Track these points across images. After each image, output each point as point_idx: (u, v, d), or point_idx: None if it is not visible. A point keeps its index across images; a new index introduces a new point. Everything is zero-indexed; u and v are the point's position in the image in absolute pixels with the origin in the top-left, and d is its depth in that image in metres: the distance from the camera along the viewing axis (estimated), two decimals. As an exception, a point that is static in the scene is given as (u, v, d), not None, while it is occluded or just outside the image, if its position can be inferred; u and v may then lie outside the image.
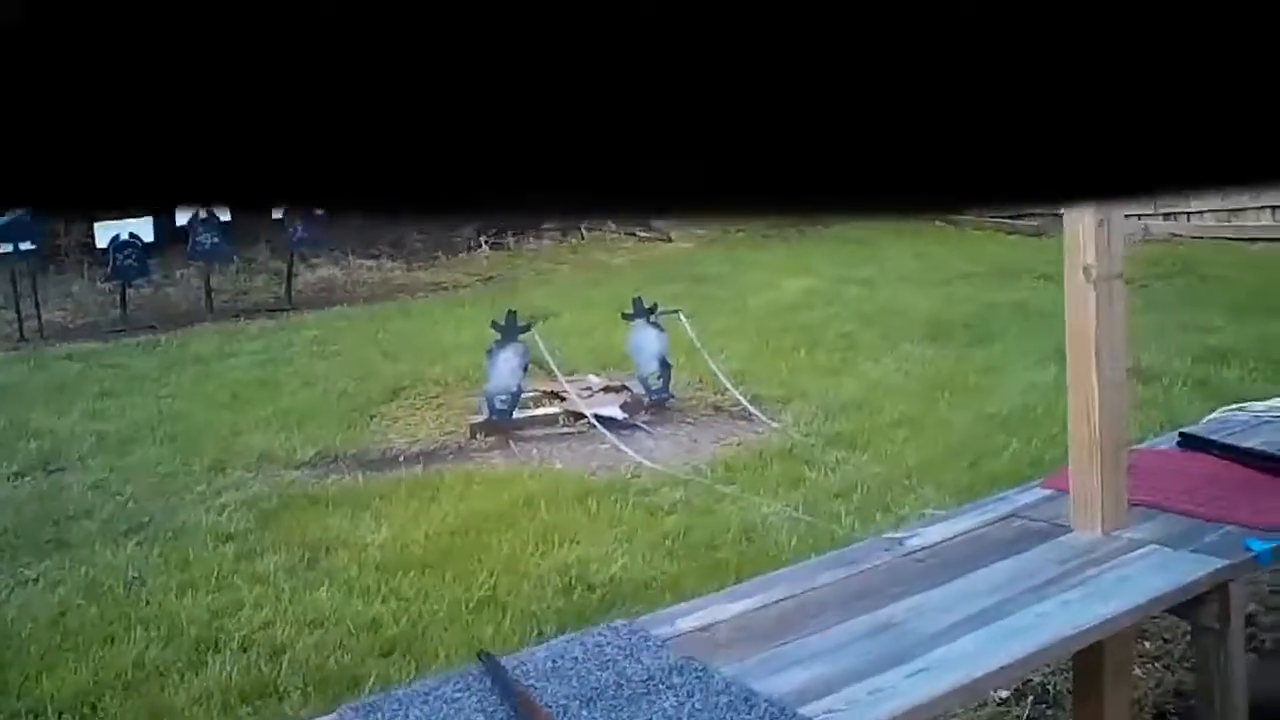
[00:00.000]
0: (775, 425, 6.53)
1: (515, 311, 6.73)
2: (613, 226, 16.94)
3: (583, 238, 16.11)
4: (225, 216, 10.67)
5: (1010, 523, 2.95)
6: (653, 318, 6.94)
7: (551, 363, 6.92)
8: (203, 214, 10.44)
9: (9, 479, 6.15)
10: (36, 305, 9.71)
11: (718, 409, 7.08)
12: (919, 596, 2.55)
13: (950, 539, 2.89)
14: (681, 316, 7.26)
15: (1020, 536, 2.84)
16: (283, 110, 0.21)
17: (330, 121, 0.21)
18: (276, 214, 10.77)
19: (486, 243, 15.21)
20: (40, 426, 6.99)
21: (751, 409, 6.80)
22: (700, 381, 7.53)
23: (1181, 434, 3.51)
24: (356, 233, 15.51)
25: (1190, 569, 2.45)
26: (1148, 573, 2.46)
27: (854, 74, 0.20)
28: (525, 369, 6.67)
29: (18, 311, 9.55)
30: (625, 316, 7.00)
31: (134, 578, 4.76)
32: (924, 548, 2.85)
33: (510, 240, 15.41)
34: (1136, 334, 7.81)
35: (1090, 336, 2.67)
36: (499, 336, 6.56)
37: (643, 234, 16.34)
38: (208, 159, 0.21)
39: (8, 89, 0.20)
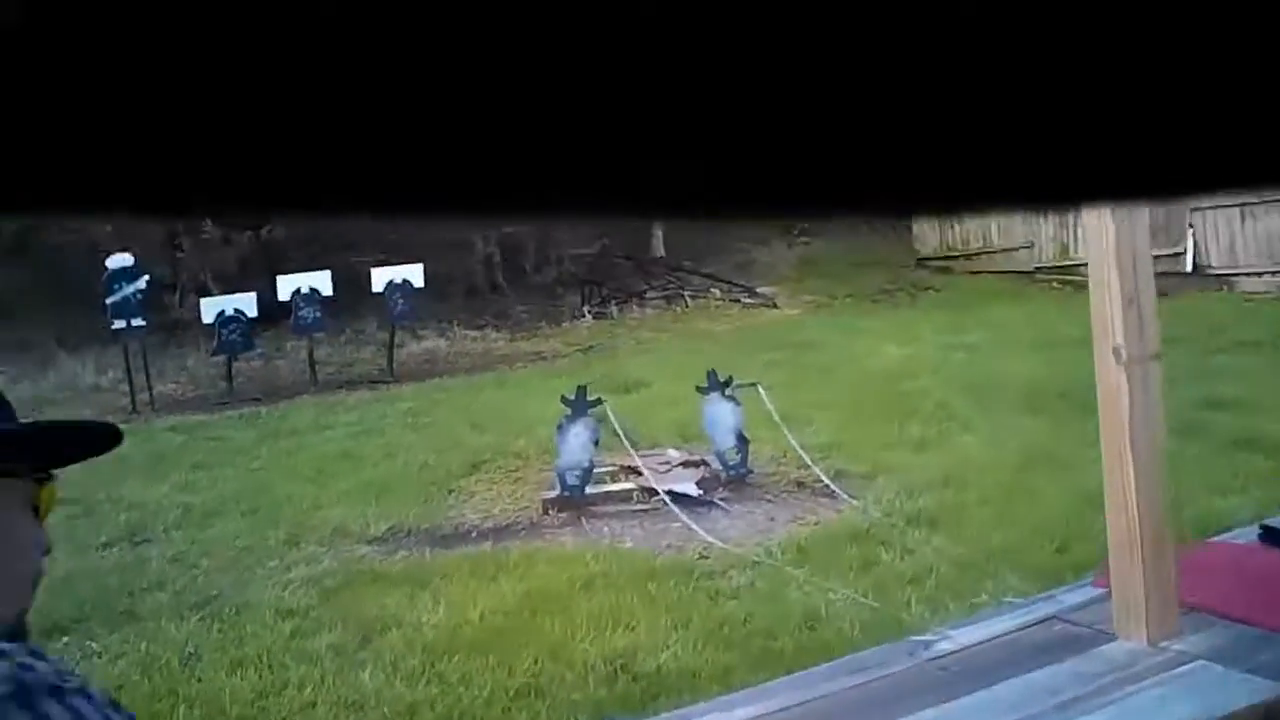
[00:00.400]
0: (855, 503, 6.26)
1: (586, 386, 6.67)
2: (718, 294, 16.83)
3: (687, 305, 16.05)
4: (327, 291, 10.97)
5: (1050, 626, 2.69)
6: (728, 391, 6.76)
7: (624, 437, 6.80)
8: (305, 289, 10.76)
9: (97, 549, 6.31)
10: (147, 378, 10.09)
11: (800, 485, 6.83)
12: (934, 710, 2.33)
13: (981, 643, 2.64)
14: (760, 389, 7.07)
15: (1058, 643, 2.58)
16: (280, 111, 0.21)
17: (328, 122, 0.21)
18: (377, 288, 11.03)
19: (590, 312, 15.29)
20: (135, 498, 7.19)
21: (833, 485, 6.55)
22: (784, 456, 7.30)
23: (1263, 527, 3.17)
24: (463, 305, 15.81)
25: (1236, 694, 2.16)
26: (1185, 696, 2.18)
27: (853, 74, 0.21)
28: (596, 444, 6.56)
29: (130, 384, 9.93)
30: (700, 390, 6.85)
31: (190, 654, 4.77)
32: (951, 652, 2.61)
33: (614, 309, 15.46)
34: (1262, 400, 7.31)
35: (1123, 423, 2.43)
36: (569, 412, 6.48)
37: (748, 301, 16.20)
38: (211, 161, 0.21)
39: (8, 89, 0.20)
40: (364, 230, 14.49)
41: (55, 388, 10.88)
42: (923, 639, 2.74)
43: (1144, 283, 2.40)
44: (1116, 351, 2.39)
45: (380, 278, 11.24)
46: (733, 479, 6.77)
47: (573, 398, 6.53)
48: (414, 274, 11.37)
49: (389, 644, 4.77)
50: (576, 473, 6.49)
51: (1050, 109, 0.21)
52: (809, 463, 6.79)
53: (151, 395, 10.10)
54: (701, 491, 6.59)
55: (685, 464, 7.16)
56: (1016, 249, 16.18)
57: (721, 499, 6.62)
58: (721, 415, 6.73)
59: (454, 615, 5.00)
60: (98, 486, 7.47)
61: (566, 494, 6.52)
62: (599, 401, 6.72)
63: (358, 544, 6.23)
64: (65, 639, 5.04)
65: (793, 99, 0.21)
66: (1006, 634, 2.68)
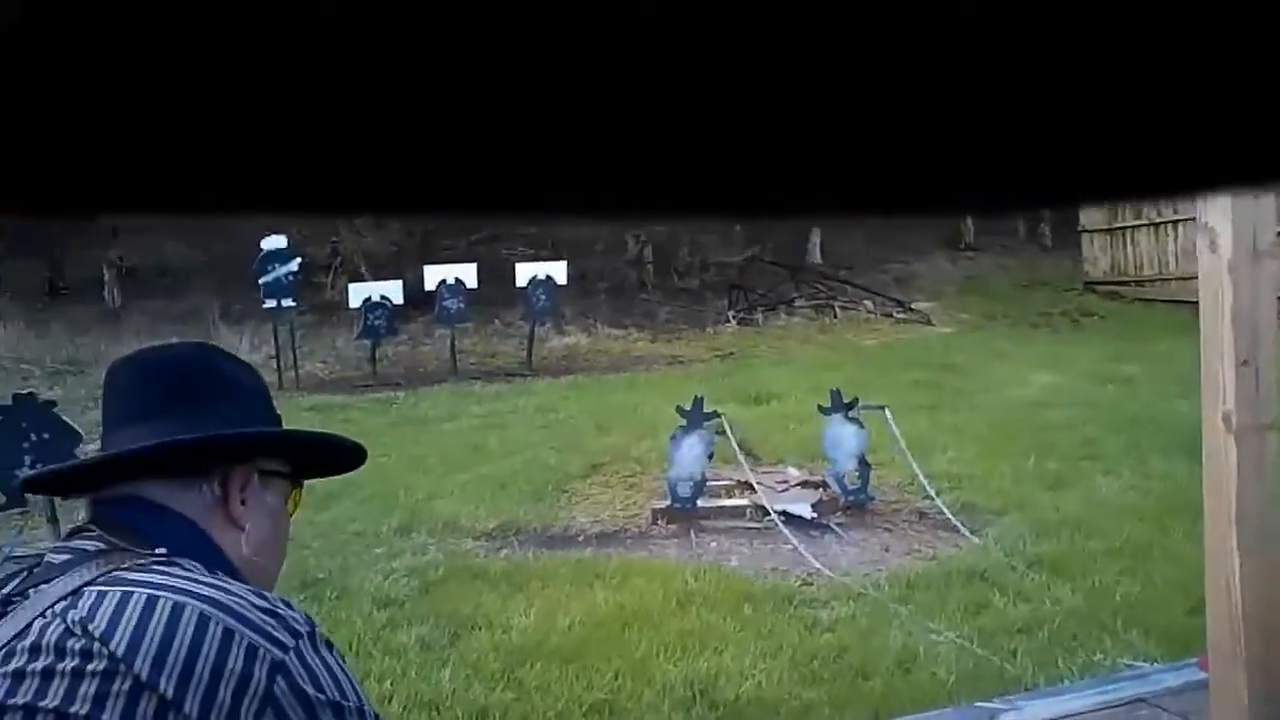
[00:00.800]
0: (976, 540, 5.94)
1: (702, 397, 6.53)
2: (870, 307, 16.39)
3: (836, 317, 15.67)
4: (472, 283, 11.15)
5: (1135, 710, 2.43)
6: (852, 413, 6.52)
7: (739, 452, 6.64)
8: (450, 280, 10.96)
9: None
10: (294, 357, 10.46)
11: (921, 515, 6.54)
12: (985, 794, 2.12)
13: (1053, 721, 2.41)
14: (888, 413, 6.79)
15: (1140, 732, 2.33)
16: (279, 113, 0.21)
17: (326, 122, 0.21)
18: (521, 282, 11.16)
19: (735, 318, 15.10)
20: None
21: (955, 519, 6.23)
22: (910, 483, 7.00)
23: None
24: (608, 304, 15.88)
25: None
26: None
27: (853, 74, 0.21)
28: (710, 456, 6.43)
29: (278, 362, 10.31)
30: (822, 410, 6.63)
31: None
32: (1018, 729, 2.39)
33: (759, 316, 15.23)
34: None
35: (1229, 497, 2.16)
36: (684, 422, 6.36)
37: (900, 316, 15.71)
38: (214, 162, 0.22)
39: (7, 88, 0.20)
40: (513, 225, 14.70)
41: (213, 360, 11.37)
42: (989, 706, 2.52)
43: (1263, 342, 2.13)
44: (1227, 418, 2.13)
45: (524, 273, 11.37)
46: (851, 504, 6.53)
47: (689, 408, 6.41)
48: (557, 271, 11.46)
49: (475, 644, 4.76)
50: (688, 485, 6.37)
51: (1051, 107, 0.21)
52: (932, 493, 6.48)
53: (297, 374, 10.48)
54: (816, 515, 6.38)
55: (804, 484, 6.96)
56: (1194, 278, 15.19)
57: (837, 524, 6.38)
58: (844, 437, 6.50)
59: (544, 621, 4.96)
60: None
61: (676, 505, 6.42)
62: (716, 414, 6.57)
63: (466, 538, 6.27)
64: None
65: (793, 99, 0.20)
66: (1082, 713, 2.43)
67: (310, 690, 1.04)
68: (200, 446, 1.21)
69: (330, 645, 1.11)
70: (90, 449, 6.16)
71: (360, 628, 4.93)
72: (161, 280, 15.05)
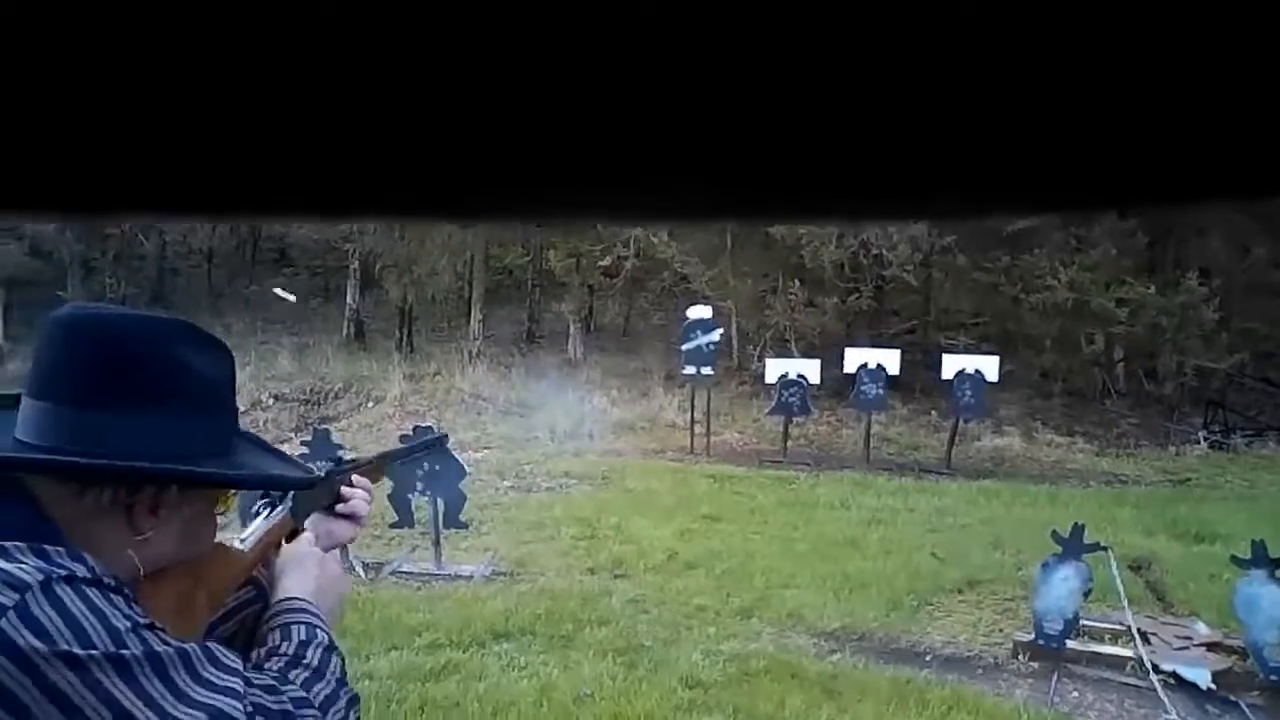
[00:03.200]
0: None
1: (1083, 525, 5.73)
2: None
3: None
4: (894, 369, 10.81)
5: None
6: (1278, 572, 5.39)
7: (1122, 594, 5.74)
8: (871, 364, 10.70)
9: (581, 572, 6.82)
10: (708, 424, 10.72)
11: (1370, 716, 5.23)
12: None
13: None
14: (1331, 578, 5.53)
15: None
16: (278, 115, 0.21)
17: (324, 123, 0.21)
18: (947, 374, 10.64)
19: (1206, 439, 13.23)
20: (637, 533, 7.65)
21: None
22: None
23: None
24: (1061, 405, 14.64)
25: None
26: None
27: (853, 75, 0.21)
28: (1086, 594, 5.62)
29: (691, 426, 10.63)
30: (1237, 562, 5.55)
31: (587, 694, 4.92)
32: None
33: (1238, 440, 13.22)
34: None
35: None
36: (1059, 550, 5.63)
37: None
38: (216, 162, 0.22)
39: (7, 87, 0.21)
40: (945, 309, 14.10)
41: (640, 416, 12.03)
42: None
43: None
44: None
45: (951, 365, 10.80)
46: (1272, 684, 5.38)
47: (1067, 535, 5.67)
48: (988, 366, 10.76)
49: (758, 748, 4.49)
50: (1057, 622, 5.61)
51: (1056, 112, 0.20)
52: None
53: (709, 441, 10.72)
54: (1214, 686, 5.33)
55: (1213, 647, 5.85)
56: None
57: (1248, 704, 5.28)
58: (1265, 599, 5.38)
59: (842, 742, 4.57)
60: (612, 515, 8.11)
61: (1041, 642, 5.67)
62: (1100, 546, 5.74)
63: (804, 634, 5.99)
64: (505, 645, 5.49)
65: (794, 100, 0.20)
66: None
67: (26, 643, 0.95)
68: (91, 472, 1.10)
69: (97, 585, 1.01)
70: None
71: (658, 703, 4.85)
72: (622, 339, 16.24)
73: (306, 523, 1.44)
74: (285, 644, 1.24)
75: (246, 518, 1.39)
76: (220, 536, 1.29)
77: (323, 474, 1.47)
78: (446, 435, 1.99)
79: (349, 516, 1.53)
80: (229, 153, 0.21)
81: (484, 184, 0.22)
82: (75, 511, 1.10)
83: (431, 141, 0.21)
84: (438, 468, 6.38)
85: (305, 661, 1.22)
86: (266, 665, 1.20)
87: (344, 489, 1.52)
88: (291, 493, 1.40)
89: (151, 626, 1.05)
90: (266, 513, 1.39)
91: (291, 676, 1.19)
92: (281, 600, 1.32)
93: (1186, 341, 14.04)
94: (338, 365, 14.23)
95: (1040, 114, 0.20)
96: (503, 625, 5.72)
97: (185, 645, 1.06)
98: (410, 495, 6.46)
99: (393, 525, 6.73)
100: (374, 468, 1.62)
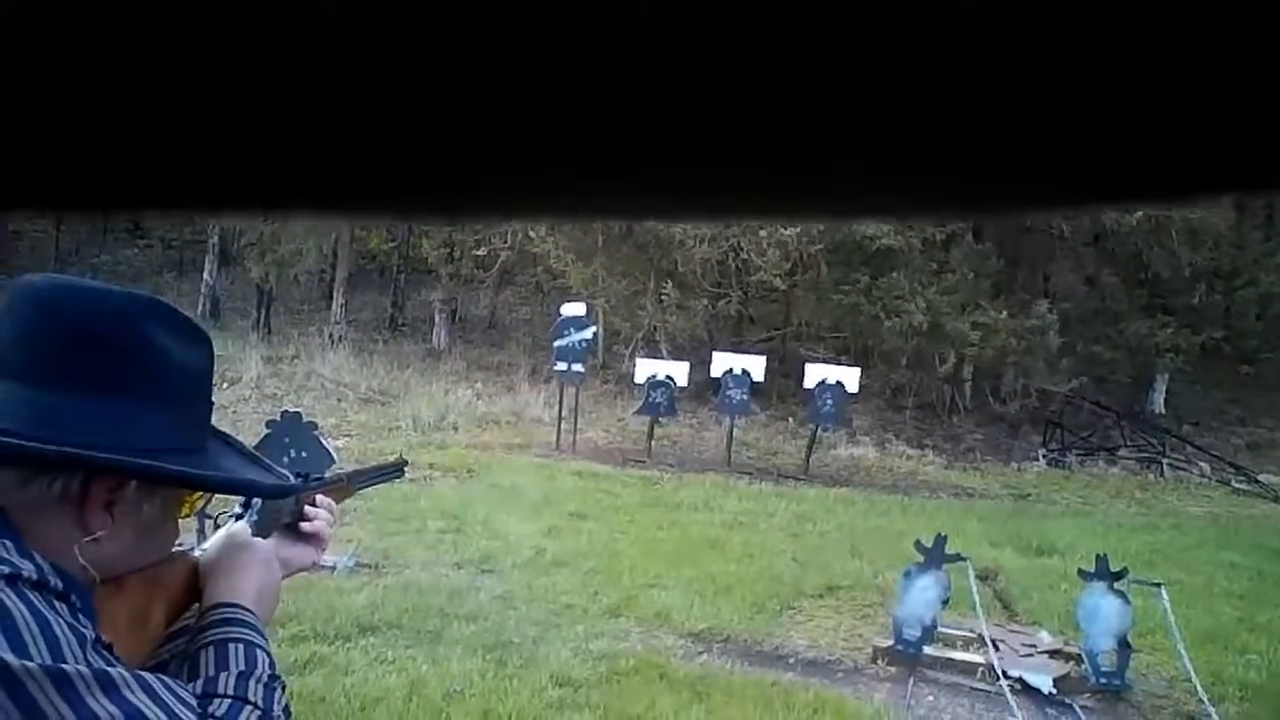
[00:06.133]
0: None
1: (945, 536, 5.95)
2: (1206, 470, 14.62)
3: (1162, 474, 14.10)
4: (758, 375, 11.01)
5: None
6: (1118, 584, 5.71)
7: (977, 603, 5.98)
8: (737, 370, 10.88)
9: (448, 566, 6.72)
10: (575, 421, 10.72)
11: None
12: None
13: None
14: (1164, 593, 5.90)
15: None
16: (278, 111, 0.21)
17: (323, 121, 0.21)
18: (809, 383, 10.88)
19: (1045, 457, 13.94)
20: (504, 528, 7.59)
21: (1227, 735, 5.27)
22: (1187, 681, 6.03)
23: None
24: (912, 419, 15.19)
25: None
26: None
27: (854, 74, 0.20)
28: (944, 602, 5.84)
29: (559, 423, 10.61)
30: (1082, 575, 5.86)
31: (457, 690, 4.85)
32: None
33: (1073, 459, 13.97)
34: None
35: None
36: (921, 559, 5.83)
37: (1239, 486, 13.89)
38: (216, 160, 0.22)
39: (7, 86, 0.20)
40: (809, 320, 14.47)
41: (505, 411, 11.94)
42: None
43: None
44: None
45: (813, 374, 11.07)
46: (1102, 689, 5.69)
47: (929, 545, 5.88)
48: (849, 377, 11.07)
49: (630, 750, 4.51)
50: (916, 629, 5.81)
51: (1055, 107, 0.20)
52: (1205, 698, 5.53)
53: (575, 439, 10.71)
54: (1056, 691, 5.61)
55: (1054, 654, 6.16)
56: None
57: (1082, 706, 5.58)
58: (1102, 610, 5.69)
59: (710, 743, 4.63)
60: (480, 510, 8.02)
61: (900, 648, 5.87)
62: (959, 557, 5.98)
63: (671, 634, 6.04)
64: (371, 639, 5.36)
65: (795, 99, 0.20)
66: None
67: None
68: (38, 457, 0.99)
69: (41, 590, 0.92)
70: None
71: (526, 700, 4.81)
72: (488, 331, 16.08)
73: (267, 540, 1.31)
74: (223, 676, 1.09)
75: (209, 529, 1.30)
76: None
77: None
78: (407, 462, 1.85)
79: (310, 538, 1.38)
80: (232, 149, 0.21)
81: (483, 183, 0.22)
82: (19, 503, 0.99)
83: (434, 140, 0.21)
84: (304, 454, 6.18)
85: (251, 701, 1.08)
86: (209, 710, 1.05)
87: (307, 508, 1.38)
88: (258, 504, 1.28)
89: (99, 642, 0.95)
90: (230, 524, 1.28)
91: None
92: (217, 606, 1.17)
93: (1031, 364, 14.75)
94: (189, 343, 13.59)
95: (1040, 113, 0.20)
96: (368, 619, 5.59)
97: (142, 674, 0.96)
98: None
99: (254, 512, 6.49)
100: (340, 487, 1.51)
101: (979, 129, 0.21)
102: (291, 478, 1.31)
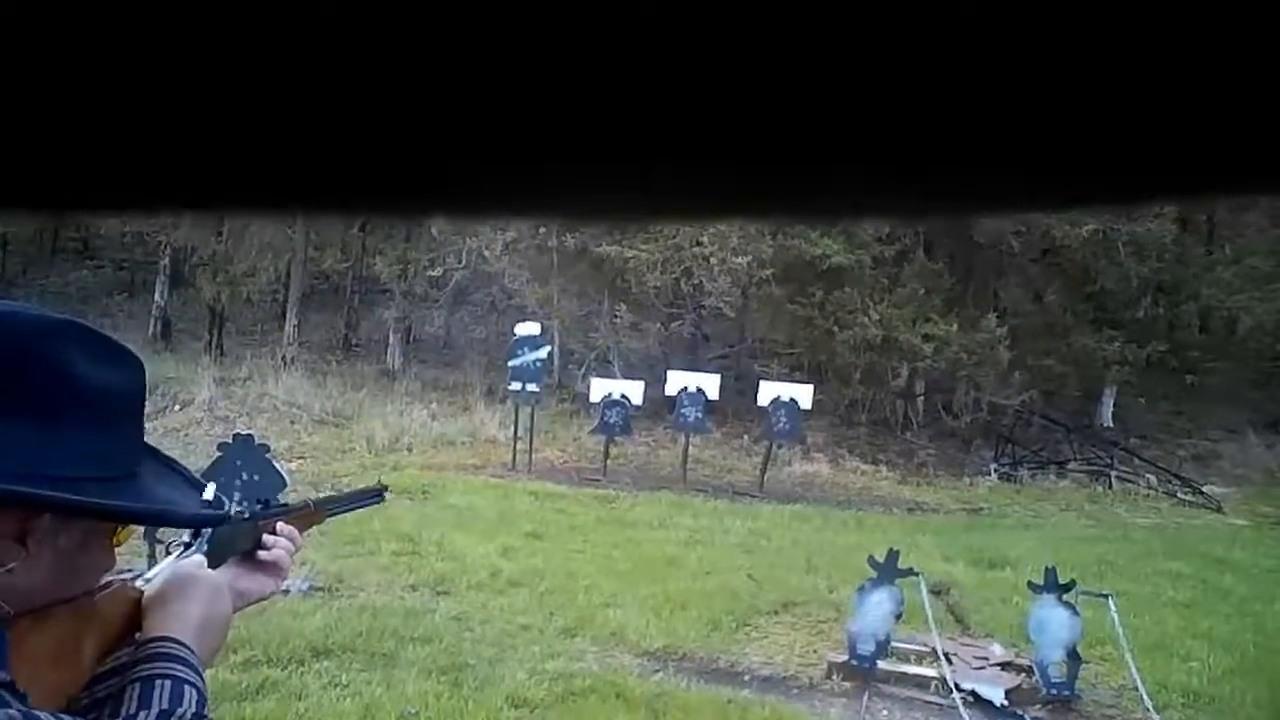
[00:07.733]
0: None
1: (898, 551, 6.02)
2: (1153, 482, 14.89)
3: (1110, 487, 14.34)
4: (713, 394, 11.07)
5: None
6: (1066, 596, 5.81)
7: (930, 618, 6.05)
8: (692, 388, 10.93)
9: (403, 589, 6.67)
10: (530, 440, 10.71)
11: (1137, 729, 5.69)
12: None
13: None
14: (1111, 604, 6.00)
15: None
16: (277, 110, 0.21)
17: (323, 120, 0.21)
18: (763, 401, 10.95)
19: (996, 471, 14.13)
20: (459, 549, 7.56)
21: (1173, 743, 5.37)
22: (1136, 690, 6.14)
23: None
24: (866, 436, 15.33)
25: None
26: None
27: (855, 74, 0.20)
28: (898, 617, 5.90)
29: (514, 443, 10.59)
30: (1032, 588, 5.95)
31: (411, 713, 4.82)
32: None
33: (1024, 473, 14.17)
34: None
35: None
36: (874, 575, 5.90)
37: (1184, 498, 14.15)
38: (216, 159, 0.22)
39: (7, 85, 0.20)
40: (763, 337, 14.56)
41: (460, 431, 11.91)
42: None
43: None
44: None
45: (767, 392, 11.16)
46: (1052, 699, 5.77)
47: (881, 561, 5.94)
48: (802, 395, 11.16)
49: (585, 768, 4.51)
50: (870, 643, 5.87)
51: (1054, 107, 0.20)
52: (1150, 706, 5.63)
53: (531, 458, 10.70)
54: (1008, 703, 5.69)
55: (1006, 666, 6.24)
56: None
57: (1034, 717, 5.66)
58: (1052, 622, 5.79)
59: (665, 761, 4.64)
60: (434, 530, 7.98)
61: (854, 663, 5.91)
62: (912, 571, 6.04)
63: (627, 653, 6.05)
64: (325, 663, 5.32)
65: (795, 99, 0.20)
66: None
67: None
68: None
69: None
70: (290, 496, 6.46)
71: (485, 728, 4.80)
72: (442, 351, 16.02)
73: (220, 569, 1.28)
74: (142, 715, 1.03)
75: (161, 554, 1.26)
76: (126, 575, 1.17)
77: (245, 515, 1.33)
78: (387, 487, 1.78)
79: (268, 567, 1.35)
80: (210, 147, 0.21)
81: (484, 183, 0.22)
82: None
83: (433, 140, 0.21)
84: (256, 477, 6.13)
85: None
86: None
87: (266, 536, 1.35)
88: (208, 532, 1.25)
89: (10, 685, 0.92)
90: (179, 552, 1.25)
91: None
92: (151, 640, 1.12)
93: (982, 378, 14.95)
94: (139, 365, 13.44)
95: (1039, 111, 0.20)
96: (322, 642, 5.54)
97: (36, 714, 0.91)
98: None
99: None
100: (304, 515, 1.47)
101: (979, 129, 0.21)
102: (232, 506, 1.28)
